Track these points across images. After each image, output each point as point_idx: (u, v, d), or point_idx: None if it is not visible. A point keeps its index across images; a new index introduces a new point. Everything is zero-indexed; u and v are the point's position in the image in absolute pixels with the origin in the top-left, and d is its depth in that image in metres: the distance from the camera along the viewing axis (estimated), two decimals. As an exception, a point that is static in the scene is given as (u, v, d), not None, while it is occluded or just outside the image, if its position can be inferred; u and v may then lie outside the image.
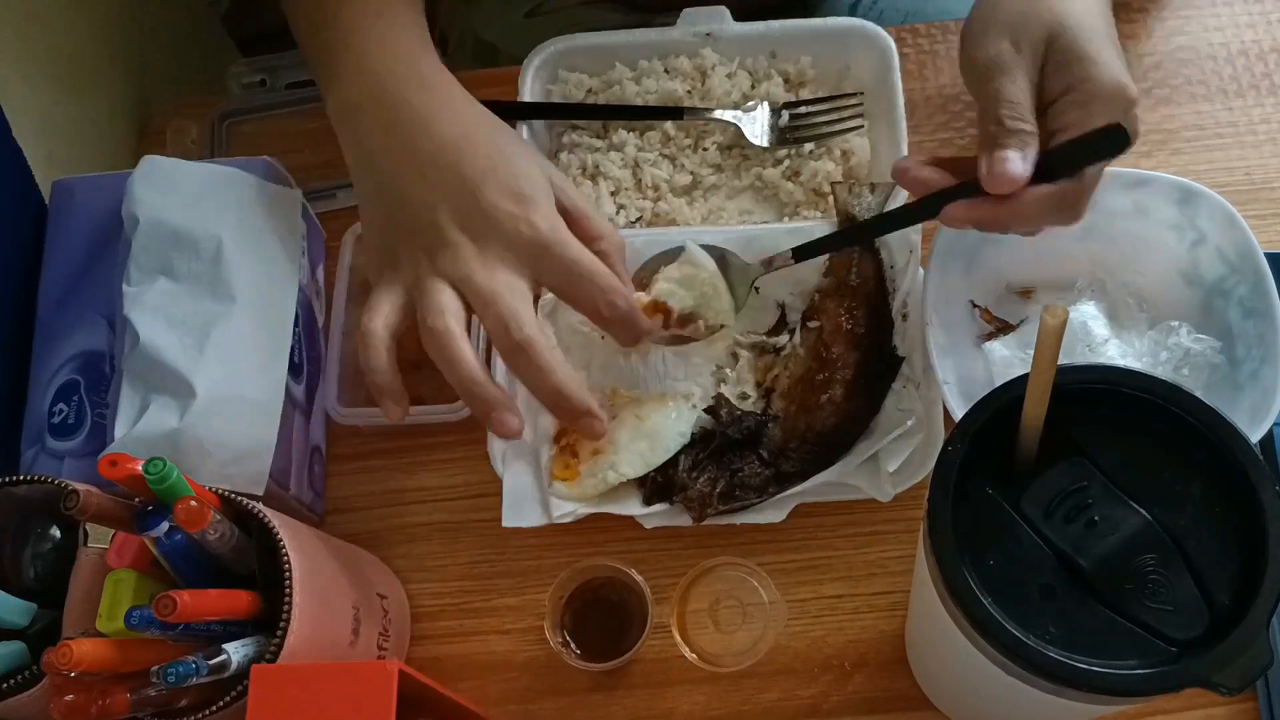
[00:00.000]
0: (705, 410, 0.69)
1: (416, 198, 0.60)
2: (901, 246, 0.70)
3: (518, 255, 0.60)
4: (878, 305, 0.69)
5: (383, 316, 0.60)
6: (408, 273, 0.61)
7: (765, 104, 0.76)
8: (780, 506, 0.66)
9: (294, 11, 0.68)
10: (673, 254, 0.69)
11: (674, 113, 0.76)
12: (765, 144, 0.75)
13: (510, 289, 0.59)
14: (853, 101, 0.76)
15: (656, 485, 0.67)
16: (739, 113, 0.76)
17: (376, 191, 0.62)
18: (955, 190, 0.60)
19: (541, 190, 0.62)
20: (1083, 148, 0.56)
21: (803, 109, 0.76)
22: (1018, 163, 0.55)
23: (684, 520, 0.66)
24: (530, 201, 0.60)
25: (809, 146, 0.75)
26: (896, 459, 0.65)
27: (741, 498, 0.66)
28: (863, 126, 0.76)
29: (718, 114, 0.76)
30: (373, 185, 0.63)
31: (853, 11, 0.87)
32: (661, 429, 0.67)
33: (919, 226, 0.68)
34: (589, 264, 0.61)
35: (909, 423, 0.66)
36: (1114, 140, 0.55)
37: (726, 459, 0.67)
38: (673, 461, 0.67)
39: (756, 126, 0.76)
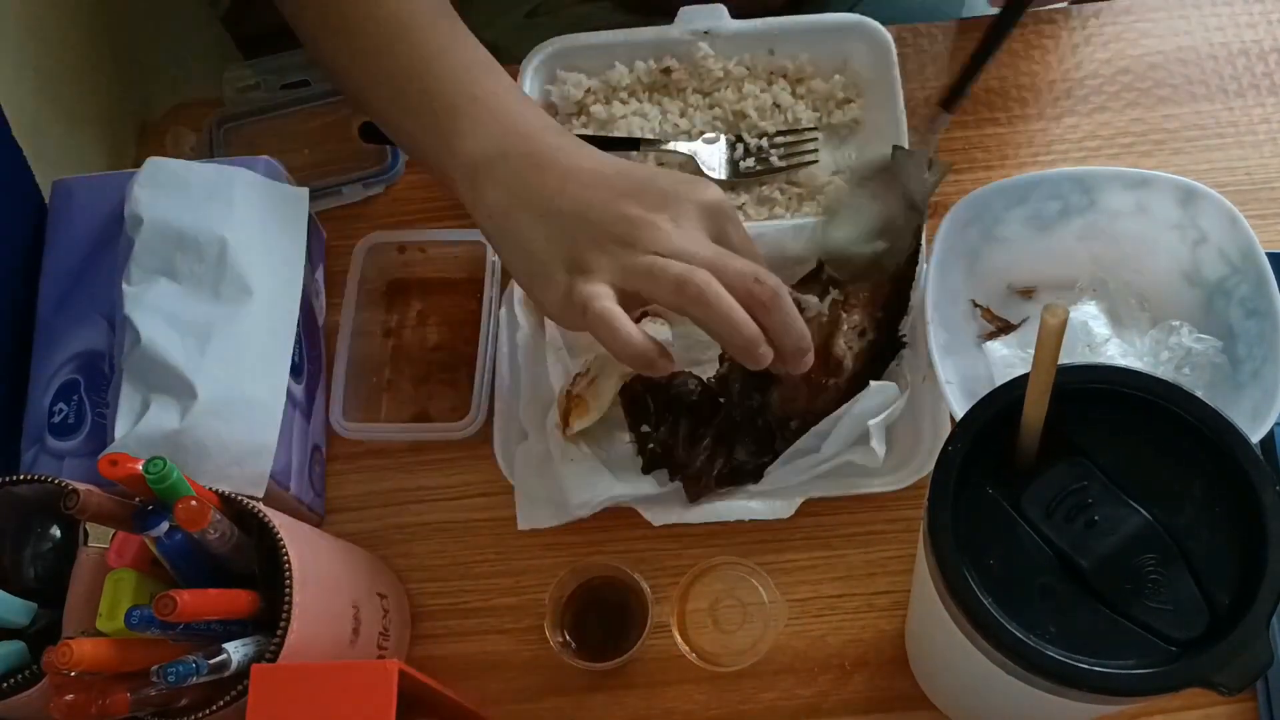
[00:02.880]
0: (715, 380, 0.69)
1: (594, 202, 0.60)
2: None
3: (705, 220, 0.60)
4: (903, 289, 0.69)
5: (608, 296, 0.58)
6: (608, 267, 0.59)
7: (723, 138, 0.76)
8: (788, 502, 0.66)
9: (369, 72, 0.67)
10: None
11: (630, 144, 0.76)
12: (722, 176, 0.75)
13: (726, 254, 0.59)
14: (808, 136, 0.76)
15: (654, 455, 0.67)
16: (697, 144, 0.76)
17: (538, 217, 0.61)
18: None
19: (702, 179, 0.63)
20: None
21: (760, 143, 0.76)
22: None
23: (692, 517, 0.66)
24: (700, 182, 0.62)
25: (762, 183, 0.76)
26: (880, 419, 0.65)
27: (737, 479, 0.67)
28: (816, 161, 0.76)
29: (672, 145, 0.75)
30: (532, 213, 0.61)
31: (855, 5, 0.87)
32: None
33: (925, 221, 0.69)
34: (752, 242, 0.62)
35: (903, 395, 0.66)
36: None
37: (727, 437, 0.67)
38: (672, 429, 0.67)
39: (714, 159, 0.76)
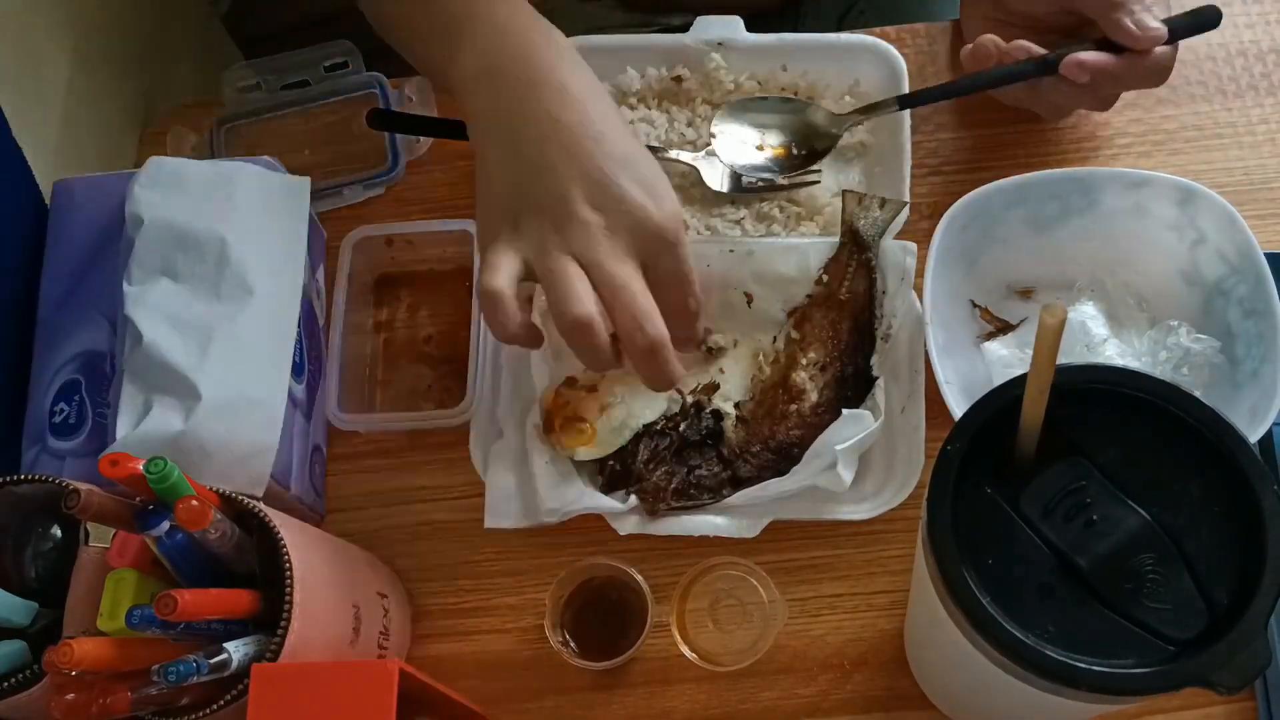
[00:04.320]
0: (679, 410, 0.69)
1: (552, 168, 0.60)
2: (895, 270, 0.69)
3: (641, 245, 0.60)
4: (862, 324, 0.70)
5: (505, 275, 0.59)
6: (531, 241, 0.60)
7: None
8: (754, 522, 0.66)
9: None
10: None
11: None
12: (724, 189, 0.75)
13: (640, 282, 0.60)
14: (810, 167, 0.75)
15: (615, 473, 0.68)
16: (701, 155, 0.75)
17: (508, 155, 0.61)
18: (1033, 65, 0.69)
19: (671, 193, 0.62)
20: (1189, 21, 0.69)
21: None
22: (1157, 21, 0.68)
23: (659, 529, 0.66)
24: (663, 198, 0.61)
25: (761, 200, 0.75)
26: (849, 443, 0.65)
27: (696, 496, 0.67)
28: (818, 182, 0.75)
29: (674, 154, 0.75)
30: (504, 149, 0.61)
31: (842, 19, 0.87)
32: None
33: (913, 249, 0.69)
34: (692, 274, 0.62)
35: (875, 423, 0.65)
36: (1212, 18, 0.70)
37: (685, 454, 0.68)
38: (632, 450, 0.67)
39: (716, 172, 0.75)
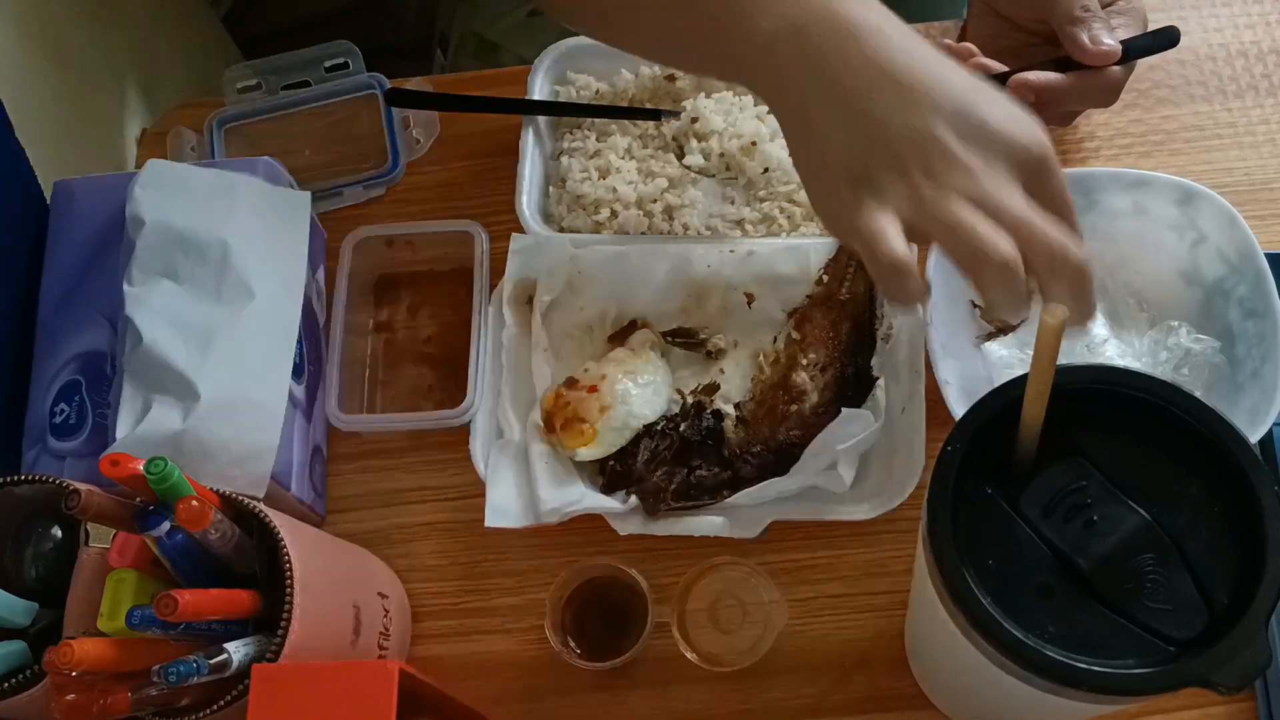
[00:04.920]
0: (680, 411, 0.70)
1: (903, 112, 0.53)
2: None
3: (1021, 170, 0.54)
4: (862, 325, 0.70)
5: (901, 241, 0.52)
6: (904, 196, 0.53)
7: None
8: (755, 523, 0.66)
9: None
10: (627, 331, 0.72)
11: (653, 114, 0.76)
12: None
13: (1037, 209, 0.53)
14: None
15: (615, 474, 0.68)
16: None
17: (840, 112, 0.55)
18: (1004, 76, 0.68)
19: (1027, 112, 0.56)
20: (1145, 41, 0.70)
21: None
22: (1112, 40, 0.67)
23: (659, 530, 0.66)
24: (1025, 119, 0.55)
25: None
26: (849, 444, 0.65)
27: (696, 497, 0.67)
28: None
29: (687, 103, 0.75)
30: (834, 106, 0.55)
31: None
32: (655, 375, 0.69)
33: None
34: (1070, 196, 0.56)
35: (876, 424, 0.65)
36: (1172, 38, 0.70)
37: (685, 455, 0.68)
38: (633, 451, 0.68)
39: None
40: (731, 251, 0.71)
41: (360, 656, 0.60)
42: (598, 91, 0.78)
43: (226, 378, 0.62)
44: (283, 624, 0.53)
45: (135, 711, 0.51)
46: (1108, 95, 0.70)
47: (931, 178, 0.52)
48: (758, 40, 0.57)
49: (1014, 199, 0.52)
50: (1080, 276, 0.51)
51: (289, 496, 0.66)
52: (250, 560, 0.55)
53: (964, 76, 0.55)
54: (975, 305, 0.71)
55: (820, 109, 0.55)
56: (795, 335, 0.70)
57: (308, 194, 0.71)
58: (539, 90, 0.77)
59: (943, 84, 0.54)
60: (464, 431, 0.70)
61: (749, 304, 0.71)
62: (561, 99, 0.78)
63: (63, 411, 0.66)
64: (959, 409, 0.64)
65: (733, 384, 0.71)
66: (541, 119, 0.77)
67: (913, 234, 0.53)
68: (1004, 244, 0.50)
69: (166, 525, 0.52)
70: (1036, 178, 0.54)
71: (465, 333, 0.72)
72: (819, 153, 0.55)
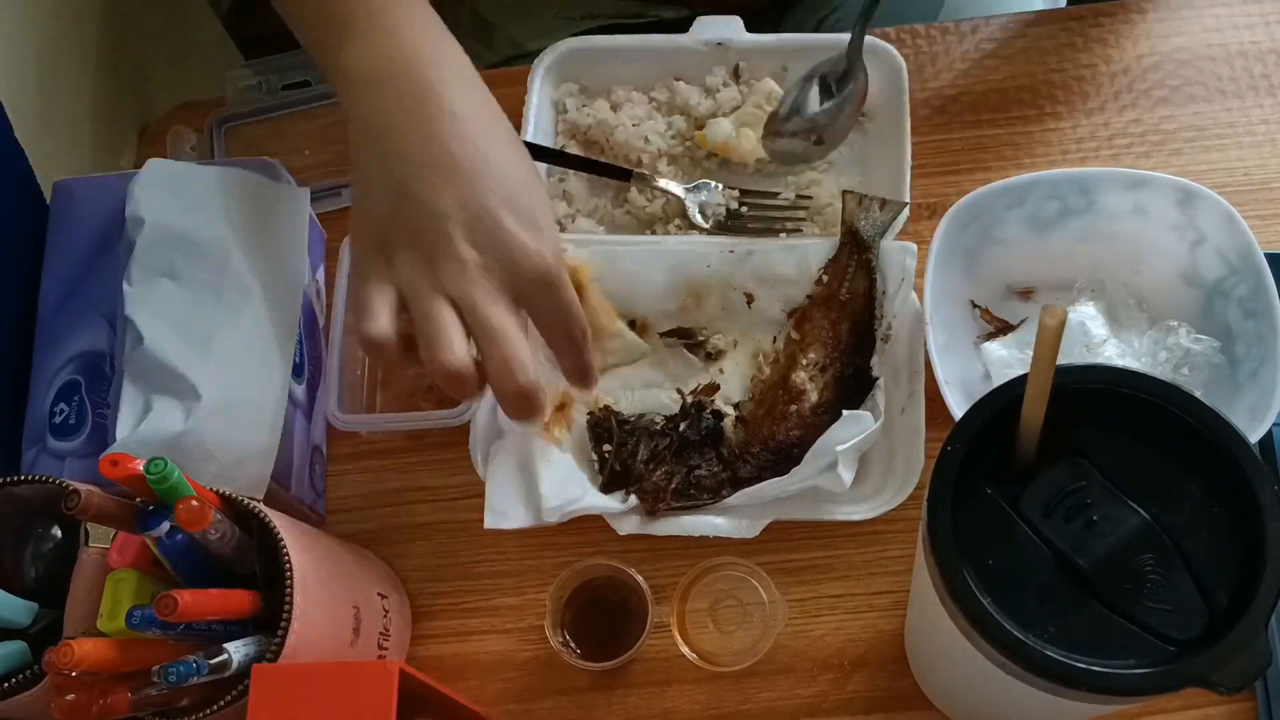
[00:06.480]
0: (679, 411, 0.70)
1: (431, 199, 0.56)
2: (895, 271, 0.69)
3: (519, 284, 0.57)
4: (862, 324, 0.69)
5: (384, 321, 0.56)
6: (404, 273, 0.56)
7: (717, 186, 0.75)
8: (754, 522, 0.66)
9: None
10: None
11: (623, 174, 0.74)
12: (706, 225, 0.74)
13: (514, 326, 0.56)
14: (802, 205, 0.74)
15: (615, 473, 0.68)
16: (690, 187, 0.74)
17: (384, 177, 0.58)
18: None
19: (554, 228, 0.60)
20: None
21: (749, 204, 0.74)
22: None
23: (659, 530, 0.66)
24: (545, 236, 0.58)
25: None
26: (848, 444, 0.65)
27: (695, 496, 0.67)
28: (800, 230, 0.74)
29: (663, 184, 0.74)
30: (380, 170, 0.58)
31: (820, 25, 0.87)
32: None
33: (913, 250, 0.69)
34: (579, 311, 0.59)
35: (876, 424, 0.65)
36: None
37: (685, 454, 0.68)
38: (632, 451, 0.68)
39: (695, 207, 0.74)
40: (731, 251, 0.71)
41: (360, 656, 0.60)
42: (597, 91, 0.78)
43: (227, 378, 0.62)
44: (282, 624, 0.53)
45: (135, 711, 0.51)
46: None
47: (432, 269, 0.56)
48: (347, 73, 0.59)
49: (492, 309, 0.55)
50: (519, 398, 0.55)
51: (289, 496, 0.66)
52: (250, 560, 0.55)
53: (510, 178, 0.58)
54: (975, 305, 0.71)
55: (376, 165, 0.58)
56: (795, 335, 0.70)
57: (307, 193, 0.71)
58: (538, 92, 0.77)
59: (481, 182, 0.56)
60: (463, 431, 0.70)
61: (749, 304, 0.71)
62: (562, 96, 0.78)
63: (62, 411, 0.66)
64: (959, 409, 0.64)
65: (732, 384, 0.71)
66: (542, 120, 0.77)
67: (405, 307, 0.56)
68: (458, 353, 0.54)
69: (166, 525, 0.52)
70: (535, 296, 0.57)
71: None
72: (367, 201, 0.58)
